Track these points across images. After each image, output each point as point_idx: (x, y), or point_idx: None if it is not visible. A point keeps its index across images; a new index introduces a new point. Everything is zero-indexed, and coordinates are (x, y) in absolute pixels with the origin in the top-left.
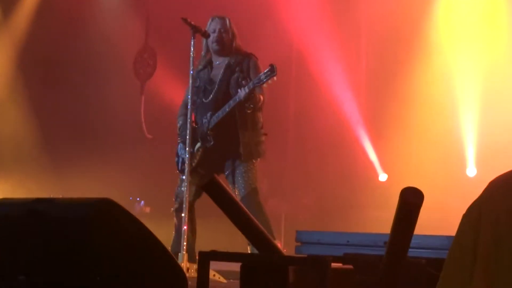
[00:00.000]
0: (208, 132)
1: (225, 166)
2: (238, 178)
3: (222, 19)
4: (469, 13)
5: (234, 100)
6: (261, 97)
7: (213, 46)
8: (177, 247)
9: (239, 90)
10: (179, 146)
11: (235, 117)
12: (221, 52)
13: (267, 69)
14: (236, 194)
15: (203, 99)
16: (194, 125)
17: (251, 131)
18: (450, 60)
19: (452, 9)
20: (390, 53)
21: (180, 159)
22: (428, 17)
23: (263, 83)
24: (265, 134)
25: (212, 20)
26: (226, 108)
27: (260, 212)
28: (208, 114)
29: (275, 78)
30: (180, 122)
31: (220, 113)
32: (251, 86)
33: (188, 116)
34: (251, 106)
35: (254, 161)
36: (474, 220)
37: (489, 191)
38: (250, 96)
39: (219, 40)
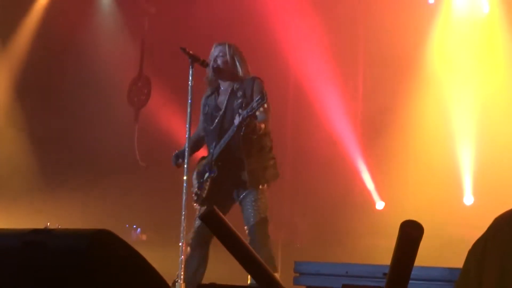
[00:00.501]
0: (213, 162)
1: (235, 195)
2: (247, 207)
3: (222, 45)
4: (465, 42)
5: (232, 129)
6: (261, 125)
7: (210, 73)
8: (191, 279)
9: (235, 117)
10: (193, 176)
11: (239, 145)
12: (220, 77)
13: (257, 97)
14: (245, 223)
15: (209, 126)
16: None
17: (257, 157)
18: (446, 89)
19: (448, 37)
20: (387, 81)
21: (194, 189)
22: (424, 46)
23: (254, 111)
24: (273, 158)
25: (214, 47)
26: (226, 137)
27: (265, 245)
28: (214, 144)
29: (265, 105)
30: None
31: (222, 143)
32: (245, 115)
33: (186, 145)
34: (252, 135)
35: (261, 187)
36: (479, 255)
37: (495, 227)
38: (243, 124)
39: (214, 68)
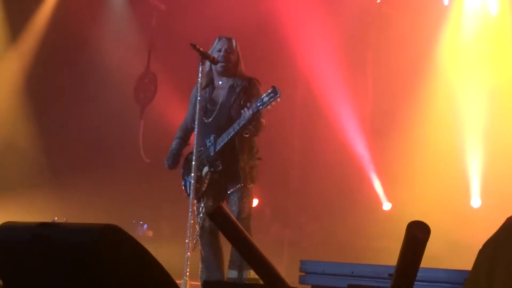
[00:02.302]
0: (214, 156)
1: (227, 189)
2: (235, 201)
3: (229, 39)
4: (475, 45)
5: (238, 123)
6: (263, 121)
7: (218, 66)
8: (206, 277)
9: (242, 112)
10: (182, 170)
11: (235, 141)
12: (225, 73)
13: (269, 91)
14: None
15: (204, 119)
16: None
17: (247, 155)
18: (456, 92)
19: (458, 40)
20: (396, 84)
21: (188, 183)
22: (434, 49)
23: (267, 105)
24: (259, 159)
25: (219, 40)
26: (232, 131)
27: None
28: (212, 137)
29: (278, 99)
30: (174, 145)
31: (225, 136)
32: (255, 109)
33: (195, 141)
34: (252, 129)
35: (248, 186)
36: (490, 255)
37: (506, 228)
38: (254, 118)
39: (225, 60)
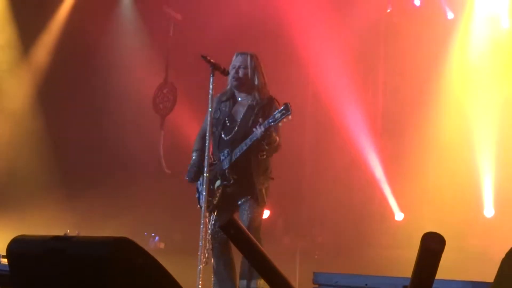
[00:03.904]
0: (227, 170)
1: (238, 205)
2: (246, 211)
3: (243, 55)
4: (484, 54)
5: (250, 138)
6: (277, 138)
7: (231, 82)
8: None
9: (254, 129)
10: (199, 182)
11: (250, 161)
12: (239, 88)
13: (281, 108)
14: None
15: (222, 134)
16: (212, 160)
17: (262, 176)
18: (466, 100)
19: (468, 49)
20: (406, 93)
21: (209, 198)
22: (444, 57)
23: (278, 122)
24: (272, 179)
25: (235, 56)
26: (243, 146)
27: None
28: (226, 151)
29: (290, 117)
30: (195, 157)
31: (237, 152)
32: (267, 125)
33: (206, 153)
34: (266, 147)
35: (264, 206)
36: None
37: None
38: (266, 135)
39: (235, 77)
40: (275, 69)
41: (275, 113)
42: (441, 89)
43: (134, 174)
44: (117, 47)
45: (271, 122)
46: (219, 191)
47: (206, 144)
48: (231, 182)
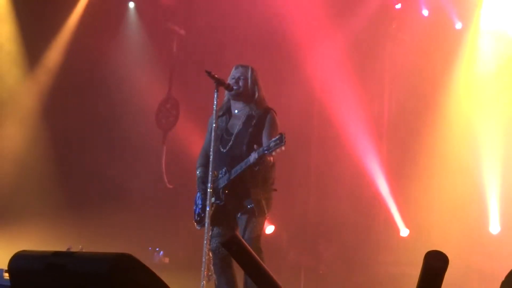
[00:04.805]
0: (221, 191)
1: (236, 220)
2: (245, 221)
3: (244, 67)
4: (492, 68)
5: (245, 162)
6: (271, 159)
7: (229, 94)
8: None
9: (250, 155)
10: (197, 195)
11: (246, 175)
12: (237, 97)
13: (276, 138)
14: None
15: (220, 148)
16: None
17: (261, 188)
18: (473, 117)
19: (474, 63)
20: (412, 107)
21: (197, 209)
22: (450, 72)
23: (272, 151)
24: (275, 190)
25: (235, 68)
26: (238, 169)
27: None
28: (223, 170)
29: (283, 148)
30: (199, 173)
31: (233, 173)
32: (261, 153)
33: (210, 169)
34: (261, 167)
35: (265, 216)
36: None
37: None
38: (260, 162)
39: (236, 84)
40: (279, 84)
41: (270, 141)
42: (447, 103)
43: (138, 188)
44: (122, 63)
45: (265, 151)
46: (212, 208)
47: (211, 160)
48: (222, 203)
